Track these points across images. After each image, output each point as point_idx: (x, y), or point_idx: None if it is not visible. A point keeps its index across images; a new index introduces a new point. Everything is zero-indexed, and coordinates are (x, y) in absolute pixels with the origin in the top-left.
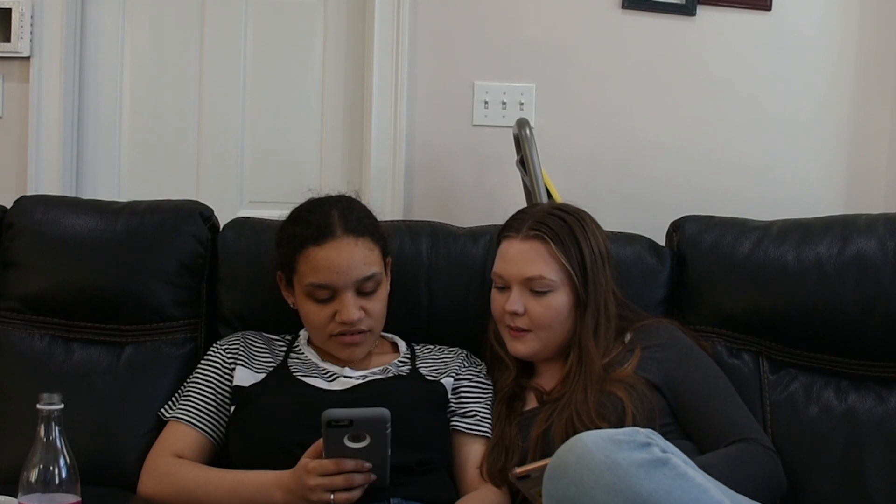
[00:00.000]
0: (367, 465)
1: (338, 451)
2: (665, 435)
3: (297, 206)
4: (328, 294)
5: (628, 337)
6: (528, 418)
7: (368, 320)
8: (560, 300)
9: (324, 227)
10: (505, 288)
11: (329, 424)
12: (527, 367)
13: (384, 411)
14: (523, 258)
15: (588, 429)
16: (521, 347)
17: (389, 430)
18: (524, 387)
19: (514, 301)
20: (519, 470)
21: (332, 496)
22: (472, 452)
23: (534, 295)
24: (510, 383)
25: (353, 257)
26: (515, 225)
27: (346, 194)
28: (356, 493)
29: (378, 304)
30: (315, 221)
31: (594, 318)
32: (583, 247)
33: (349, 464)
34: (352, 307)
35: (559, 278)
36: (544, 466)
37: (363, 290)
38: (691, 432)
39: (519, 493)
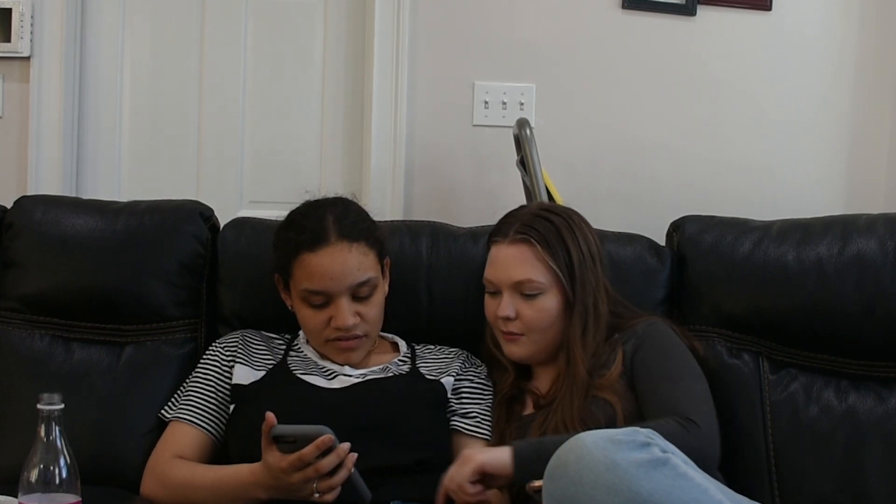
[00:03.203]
0: (329, 438)
1: None
2: None
3: (293, 208)
4: (323, 300)
5: (616, 337)
6: (526, 423)
7: (364, 325)
8: (550, 302)
9: (318, 233)
10: (496, 293)
11: (276, 440)
12: (525, 370)
13: (324, 429)
14: (511, 262)
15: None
16: (516, 350)
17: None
18: (523, 390)
19: (506, 306)
20: (536, 484)
21: (315, 485)
22: None
23: (524, 298)
24: (509, 386)
25: (347, 263)
26: (503, 229)
27: (343, 196)
28: (338, 478)
29: (374, 308)
30: (309, 227)
31: (582, 320)
32: (570, 248)
33: (310, 451)
34: (346, 313)
35: (548, 280)
36: None
37: (358, 295)
38: (645, 418)
39: (519, 493)
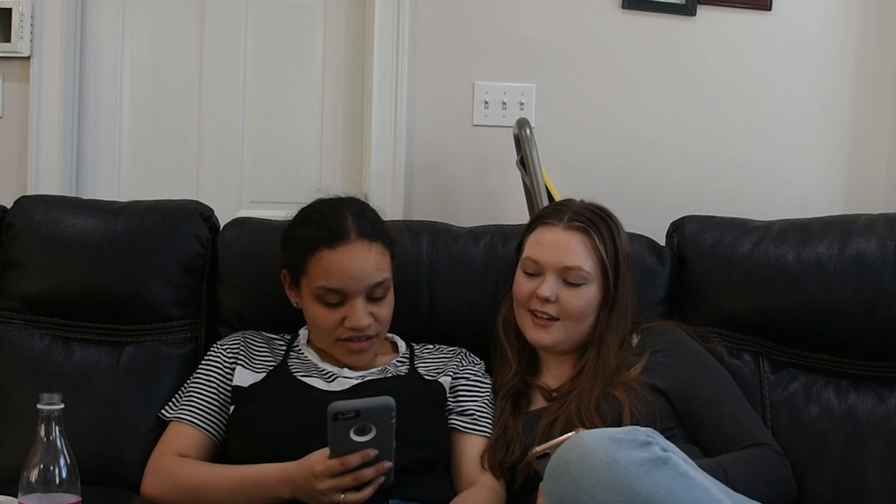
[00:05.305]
0: (374, 451)
1: (343, 447)
2: (668, 439)
3: (304, 206)
4: (338, 299)
5: (636, 339)
6: (534, 417)
7: (376, 325)
8: (591, 293)
9: (338, 231)
10: (536, 274)
11: (335, 418)
12: (531, 365)
13: (389, 399)
14: (564, 247)
15: (584, 424)
16: (545, 337)
17: (395, 421)
18: (530, 385)
19: (548, 287)
20: (538, 448)
21: (342, 496)
22: (469, 451)
23: (566, 285)
24: (515, 379)
25: (367, 263)
26: (556, 214)
27: (357, 196)
28: (367, 492)
29: (386, 309)
30: (328, 224)
31: (617, 318)
32: (618, 246)
33: (354, 459)
34: (362, 313)
35: (594, 272)
36: (563, 443)
37: (373, 296)
38: (700, 437)
39: (517, 488)
